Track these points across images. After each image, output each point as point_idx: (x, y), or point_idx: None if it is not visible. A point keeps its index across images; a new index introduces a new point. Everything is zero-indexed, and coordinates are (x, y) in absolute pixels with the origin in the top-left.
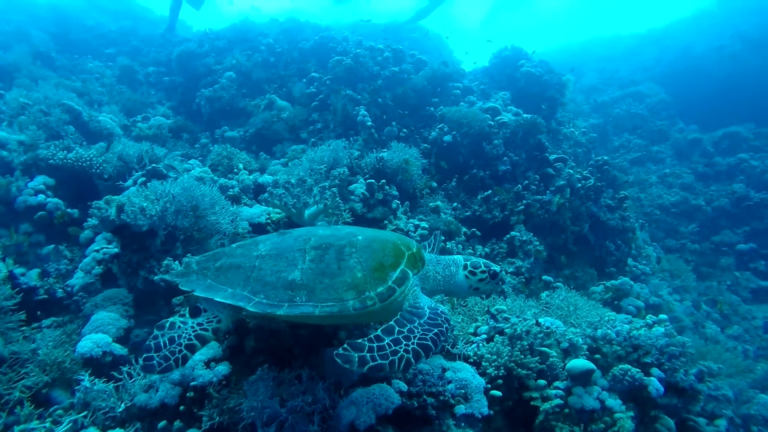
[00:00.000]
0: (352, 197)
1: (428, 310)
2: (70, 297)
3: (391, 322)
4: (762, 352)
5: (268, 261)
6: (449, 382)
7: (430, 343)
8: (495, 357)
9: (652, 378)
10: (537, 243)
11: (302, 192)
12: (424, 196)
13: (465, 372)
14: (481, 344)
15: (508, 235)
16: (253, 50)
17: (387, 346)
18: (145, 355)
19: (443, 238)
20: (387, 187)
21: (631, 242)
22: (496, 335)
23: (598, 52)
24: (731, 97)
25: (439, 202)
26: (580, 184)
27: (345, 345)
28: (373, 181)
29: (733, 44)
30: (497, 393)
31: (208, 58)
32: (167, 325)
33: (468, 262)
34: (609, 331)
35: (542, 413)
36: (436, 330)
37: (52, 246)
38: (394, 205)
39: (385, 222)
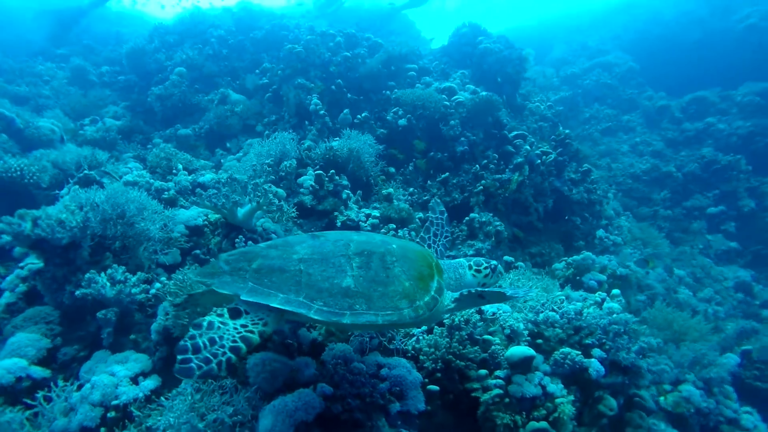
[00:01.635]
0: (302, 190)
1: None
2: None
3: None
4: (733, 312)
5: (314, 266)
6: (384, 380)
7: None
8: (433, 350)
9: (593, 359)
10: (498, 223)
11: (231, 191)
12: (379, 184)
13: (400, 368)
14: (421, 337)
15: (467, 218)
16: (204, 43)
17: None
18: (181, 357)
19: (393, 226)
20: (337, 177)
21: (600, 214)
22: (436, 326)
23: (568, 24)
24: (698, 63)
25: (391, 189)
26: (539, 160)
27: None
28: (322, 172)
29: (699, 9)
30: (434, 387)
31: (159, 53)
32: (205, 324)
33: (471, 262)
34: (551, 313)
35: (483, 404)
36: None
37: None
38: (344, 195)
39: (336, 213)
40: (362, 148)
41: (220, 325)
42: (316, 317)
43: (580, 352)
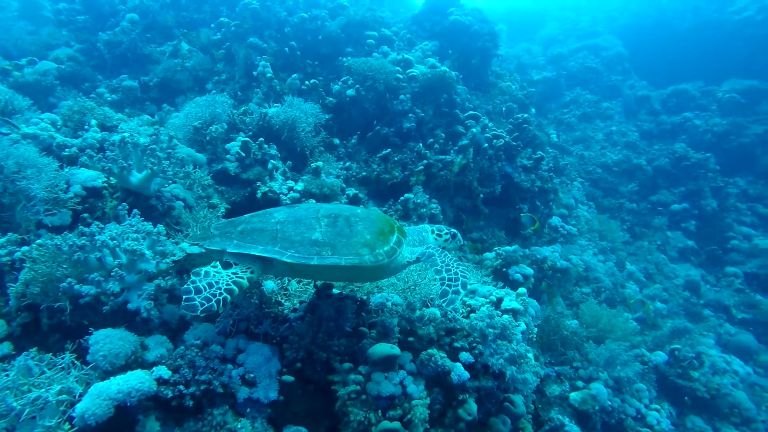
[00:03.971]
0: (228, 156)
1: (428, 249)
2: None
3: (431, 269)
4: (677, 310)
5: (288, 225)
6: (240, 365)
7: (455, 259)
8: (297, 338)
9: (457, 364)
10: (434, 206)
11: (123, 155)
12: (315, 155)
13: (258, 355)
14: (294, 324)
15: (402, 197)
16: None
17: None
18: (185, 296)
19: (313, 202)
20: (266, 146)
21: (552, 204)
22: (308, 314)
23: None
24: (688, 53)
25: (320, 163)
26: (487, 144)
27: None
28: (248, 139)
29: None
30: (289, 378)
31: None
32: (202, 272)
33: (433, 227)
34: (434, 310)
35: (340, 399)
36: (446, 254)
37: None
38: (269, 166)
39: (258, 183)
40: (298, 116)
41: (215, 273)
42: (288, 261)
43: (445, 355)
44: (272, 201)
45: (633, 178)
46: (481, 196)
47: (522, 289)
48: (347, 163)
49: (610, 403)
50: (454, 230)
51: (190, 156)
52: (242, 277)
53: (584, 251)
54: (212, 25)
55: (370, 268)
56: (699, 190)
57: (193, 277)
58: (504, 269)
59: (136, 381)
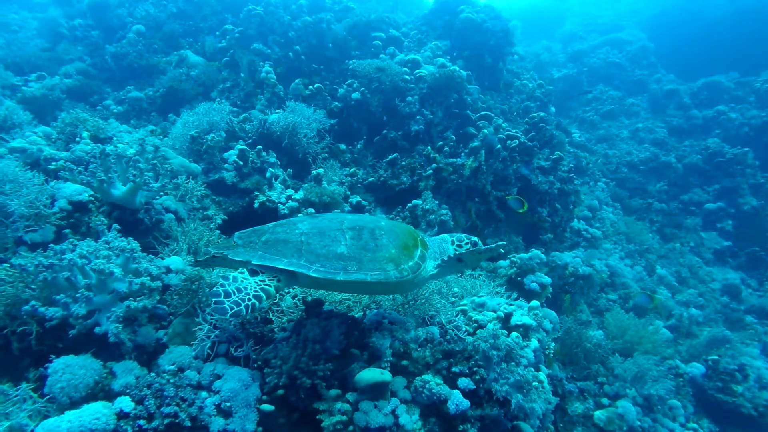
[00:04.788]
0: (226, 165)
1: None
2: None
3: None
4: (714, 317)
5: (313, 237)
6: (215, 393)
7: None
8: (280, 362)
9: (455, 391)
10: (444, 212)
11: (102, 167)
12: (318, 162)
13: (235, 381)
14: (279, 344)
15: (410, 204)
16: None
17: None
18: (215, 299)
19: (312, 210)
20: (264, 154)
21: (574, 206)
22: (294, 335)
23: None
24: (720, 43)
25: (321, 170)
26: (499, 145)
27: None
28: (246, 147)
29: None
30: (269, 407)
31: (121, 8)
32: (231, 277)
33: (453, 238)
34: (434, 329)
35: (325, 430)
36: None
37: None
38: (268, 174)
39: (256, 192)
40: (300, 122)
41: (243, 279)
42: (315, 275)
43: (441, 381)
44: (270, 211)
45: (662, 177)
46: (496, 200)
47: (535, 302)
48: (351, 170)
49: (639, 423)
50: (474, 238)
51: (184, 166)
52: (269, 285)
53: (610, 255)
54: (217, 33)
55: (394, 283)
56: (736, 187)
57: (221, 281)
58: (519, 278)
59: (90, 417)
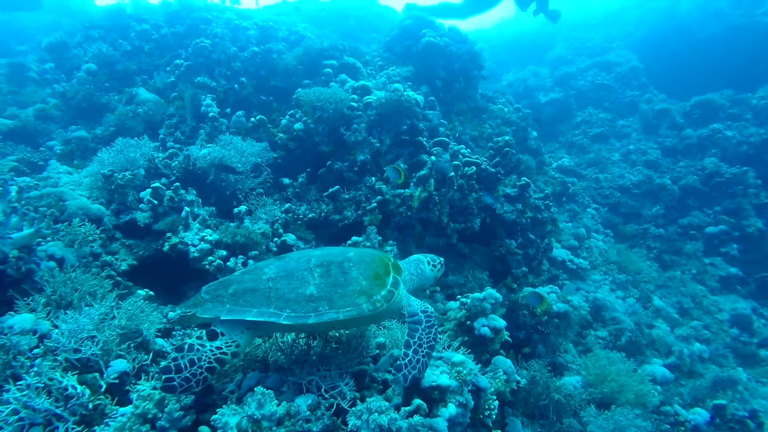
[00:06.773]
0: (141, 205)
1: (422, 314)
2: None
3: (406, 337)
4: (723, 351)
5: (281, 282)
6: None
7: (433, 342)
8: None
9: None
10: (389, 248)
11: None
12: (250, 198)
13: None
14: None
15: (350, 241)
16: (124, 38)
17: (413, 358)
18: (165, 377)
19: (224, 253)
20: (183, 191)
21: (551, 236)
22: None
23: (573, 19)
24: (713, 62)
25: (242, 207)
26: (452, 173)
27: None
28: (159, 185)
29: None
30: None
31: (78, 49)
32: (186, 347)
33: (427, 258)
34: (300, 401)
35: None
36: (432, 331)
37: None
38: (183, 214)
39: (169, 234)
40: (228, 156)
41: (199, 347)
42: (285, 322)
43: None
44: (183, 253)
45: (657, 200)
46: (456, 233)
47: (458, 356)
48: (286, 206)
49: None
50: (440, 258)
51: (83, 207)
52: (226, 353)
53: (599, 287)
54: (167, 68)
55: (367, 317)
56: (738, 208)
57: (175, 353)
58: (468, 322)
59: None
